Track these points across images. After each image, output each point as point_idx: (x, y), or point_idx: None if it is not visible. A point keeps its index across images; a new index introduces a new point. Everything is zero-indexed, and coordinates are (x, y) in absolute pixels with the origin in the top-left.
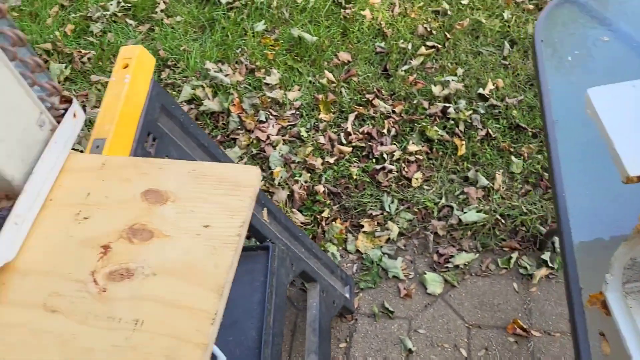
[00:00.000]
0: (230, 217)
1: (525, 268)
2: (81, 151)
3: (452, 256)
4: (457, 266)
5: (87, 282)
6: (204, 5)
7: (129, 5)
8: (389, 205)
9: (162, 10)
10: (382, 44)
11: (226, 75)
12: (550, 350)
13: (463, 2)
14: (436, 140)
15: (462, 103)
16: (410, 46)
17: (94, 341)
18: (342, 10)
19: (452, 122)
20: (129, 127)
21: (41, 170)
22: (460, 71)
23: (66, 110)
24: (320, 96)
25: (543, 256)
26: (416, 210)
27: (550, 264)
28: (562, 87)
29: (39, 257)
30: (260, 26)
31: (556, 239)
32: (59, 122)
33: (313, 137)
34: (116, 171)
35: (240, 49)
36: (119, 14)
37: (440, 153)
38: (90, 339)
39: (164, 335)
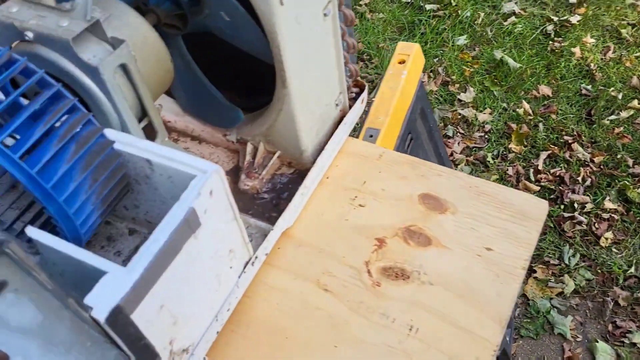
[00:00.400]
0: (516, 246)
1: None
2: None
3: (630, 331)
4: (634, 344)
5: (361, 270)
6: (406, 7)
7: None
8: (569, 258)
9: (366, 4)
10: (589, 87)
11: None
12: None
13: None
14: (636, 203)
15: None
16: (620, 96)
17: (366, 333)
18: (550, 42)
19: None
20: (397, 122)
21: (330, 147)
22: None
23: (357, 95)
24: (514, 125)
25: None
26: (598, 271)
27: None
28: None
29: (313, 231)
30: (461, 40)
31: None
32: (349, 106)
33: (498, 166)
34: (392, 166)
35: (437, 59)
36: None
37: (639, 218)
38: (362, 330)
39: (439, 352)
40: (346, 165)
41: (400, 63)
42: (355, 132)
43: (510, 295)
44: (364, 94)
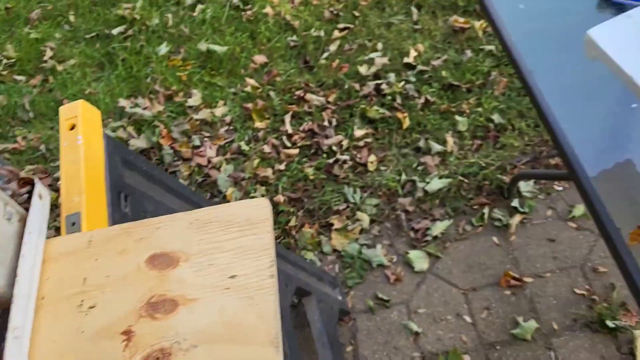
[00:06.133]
0: (256, 259)
1: (500, 220)
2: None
3: (428, 229)
4: (435, 237)
5: None
6: (95, 42)
7: (12, 60)
8: (353, 196)
9: (51, 58)
10: (294, 37)
11: (145, 108)
12: (547, 291)
13: None
14: (379, 119)
15: (392, 76)
16: (322, 33)
17: None
18: (243, 13)
19: (389, 97)
20: (98, 193)
21: (24, 268)
22: (379, 46)
23: (30, 193)
24: (249, 105)
25: (513, 204)
26: (380, 193)
27: (521, 209)
28: (526, 33)
29: None
30: (163, 49)
31: (520, 184)
32: (26, 210)
33: (255, 149)
34: (107, 245)
35: (150, 78)
36: (4, 73)
37: (387, 131)
38: None
39: None
40: (57, 273)
41: (71, 129)
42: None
43: (270, 310)
44: (38, 188)
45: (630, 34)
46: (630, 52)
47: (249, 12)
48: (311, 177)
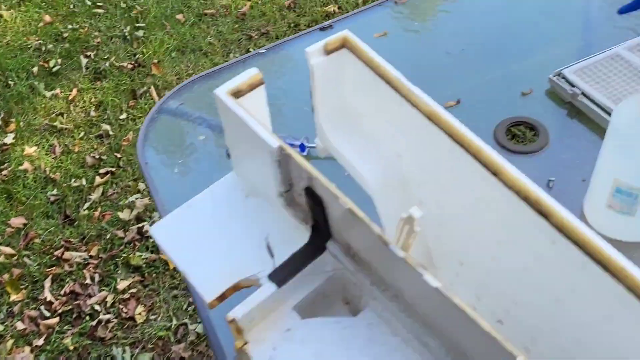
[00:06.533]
0: None
1: None
2: None
3: None
4: None
5: None
6: None
7: None
8: (122, 356)
9: None
10: (55, 192)
11: None
12: None
13: (121, 117)
14: (144, 265)
15: (156, 215)
16: (84, 181)
17: None
18: None
19: (153, 239)
20: None
21: None
22: (142, 186)
23: None
24: (3, 277)
25: None
26: (152, 345)
27: None
28: (179, 201)
29: None
30: None
31: None
32: None
33: (11, 327)
34: None
35: None
36: None
37: (154, 275)
38: None
39: None
40: None
41: None
42: None
43: None
44: None
45: (191, 225)
46: (188, 246)
47: (4, 172)
48: (73, 347)
